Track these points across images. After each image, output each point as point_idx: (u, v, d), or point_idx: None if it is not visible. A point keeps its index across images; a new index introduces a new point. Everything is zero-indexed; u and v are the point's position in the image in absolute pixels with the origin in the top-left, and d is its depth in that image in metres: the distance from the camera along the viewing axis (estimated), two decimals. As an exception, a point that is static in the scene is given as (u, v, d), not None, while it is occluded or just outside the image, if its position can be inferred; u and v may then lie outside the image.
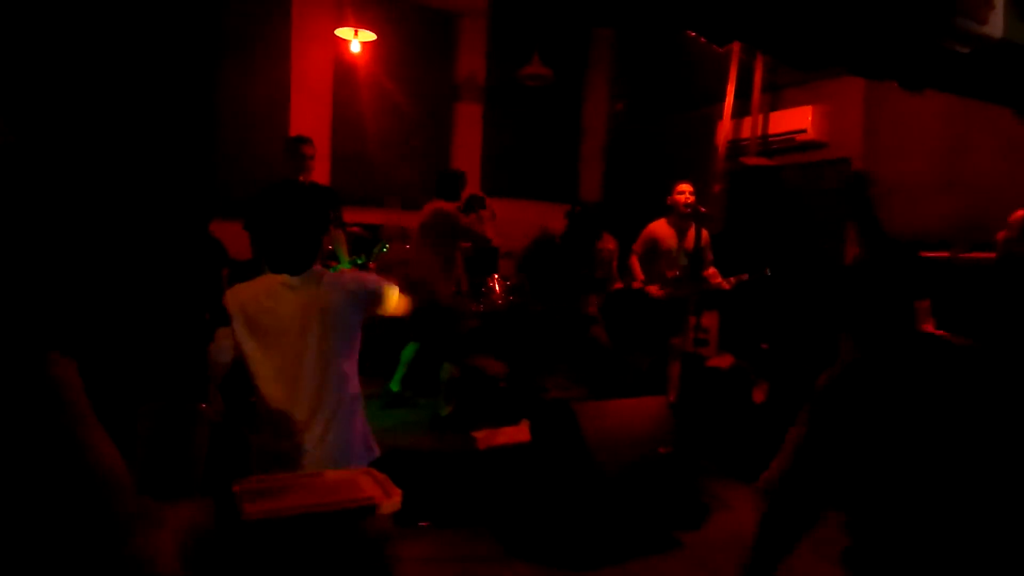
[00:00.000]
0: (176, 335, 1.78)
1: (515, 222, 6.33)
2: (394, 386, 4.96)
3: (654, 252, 4.87)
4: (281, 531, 1.50)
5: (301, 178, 4.21)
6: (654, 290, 4.82)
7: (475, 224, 5.19)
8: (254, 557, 1.42)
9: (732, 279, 4.60)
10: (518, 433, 4.18)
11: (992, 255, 4.03)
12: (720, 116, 5.88)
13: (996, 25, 2.72)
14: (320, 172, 5.95)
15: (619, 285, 5.12)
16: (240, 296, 2.03)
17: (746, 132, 5.86)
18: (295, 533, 1.52)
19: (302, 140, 4.35)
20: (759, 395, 4.58)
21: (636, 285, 4.87)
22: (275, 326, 1.98)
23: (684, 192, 4.77)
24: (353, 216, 5.41)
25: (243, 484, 1.61)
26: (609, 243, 5.21)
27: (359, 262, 4.80)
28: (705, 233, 4.65)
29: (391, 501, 1.77)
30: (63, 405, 0.79)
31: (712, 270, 4.84)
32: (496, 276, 5.62)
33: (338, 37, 5.83)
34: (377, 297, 2.13)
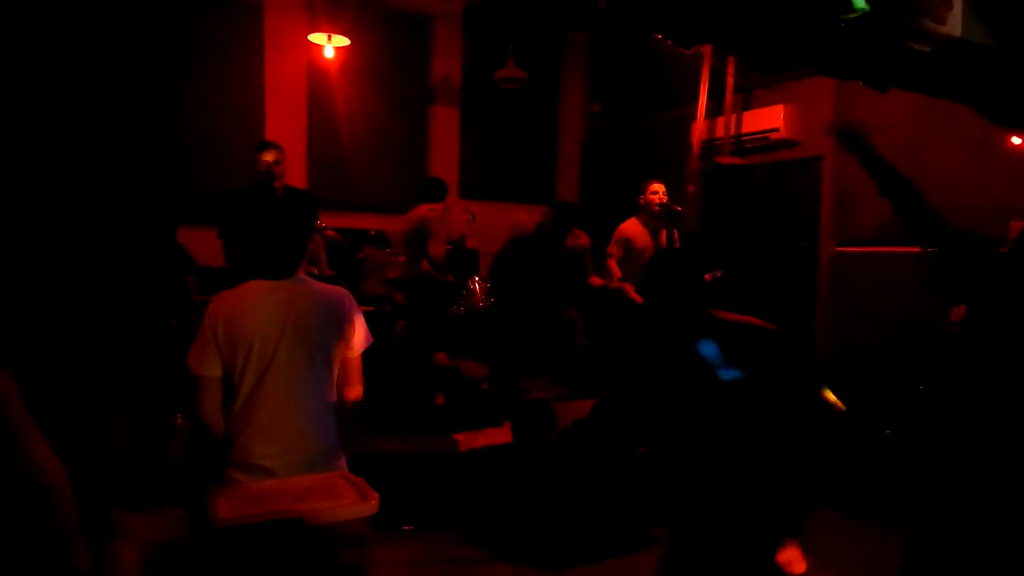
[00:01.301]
0: (145, 343, 1.77)
1: (494, 224, 6.36)
2: None
3: (628, 252, 4.89)
4: (254, 537, 1.50)
5: (276, 184, 4.18)
6: (632, 291, 4.83)
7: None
8: (227, 563, 1.43)
9: (707, 276, 4.63)
10: (500, 434, 4.20)
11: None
12: (695, 116, 5.95)
13: (955, 25, 2.79)
14: (297, 177, 5.94)
15: (596, 280, 5.13)
16: (224, 304, 2.01)
17: (720, 132, 5.94)
18: (268, 539, 1.52)
19: (265, 146, 4.30)
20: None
21: (614, 284, 4.88)
22: (255, 332, 1.97)
23: (658, 192, 4.81)
24: (330, 221, 5.40)
25: (217, 490, 1.61)
26: (581, 239, 5.23)
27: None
28: (676, 232, 4.71)
29: (367, 505, 1.78)
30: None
31: None
32: (476, 278, 5.63)
33: (311, 43, 5.81)
34: (352, 335, 2.10)
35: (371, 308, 5.29)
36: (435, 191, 5.28)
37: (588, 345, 4.98)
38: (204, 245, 4.45)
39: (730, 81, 5.80)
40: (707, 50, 5.56)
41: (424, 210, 5.11)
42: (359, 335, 2.11)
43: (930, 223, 2.47)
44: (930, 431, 2.45)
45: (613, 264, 4.93)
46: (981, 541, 2.09)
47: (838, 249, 5.14)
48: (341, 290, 2.15)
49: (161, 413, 1.22)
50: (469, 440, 4.15)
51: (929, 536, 2.21)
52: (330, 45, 5.69)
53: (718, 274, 4.57)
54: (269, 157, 4.18)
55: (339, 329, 2.06)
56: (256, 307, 1.99)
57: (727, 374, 1.97)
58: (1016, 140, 4.19)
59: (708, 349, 2.05)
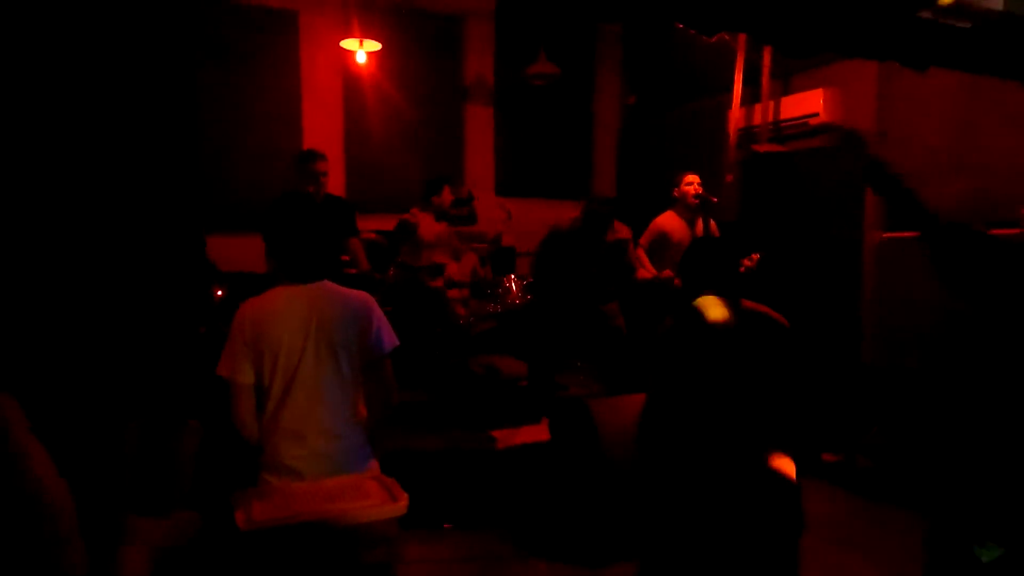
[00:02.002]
0: (172, 350, 1.83)
1: (531, 221, 6.34)
2: None
3: (663, 245, 4.83)
4: (283, 538, 1.54)
5: (311, 189, 4.26)
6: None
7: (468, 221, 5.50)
8: (256, 564, 1.47)
9: (747, 260, 4.51)
10: (537, 432, 4.20)
11: (1012, 231, 3.94)
12: (731, 104, 5.82)
13: (996, -1, 2.67)
14: (335, 181, 6.04)
15: (644, 274, 5.02)
16: (251, 310, 2.07)
17: (757, 119, 5.79)
18: (297, 540, 1.56)
19: (314, 156, 4.39)
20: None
21: (664, 275, 4.78)
22: (282, 336, 2.02)
23: (692, 183, 4.74)
24: (368, 223, 5.48)
25: (246, 493, 1.66)
26: (621, 232, 5.14)
27: None
28: (712, 223, 4.62)
29: (396, 505, 1.81)
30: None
31: None
32: (513, 276, 5.64)
33: (344, 48, 5.89)
34: (379, 345, 2.13)
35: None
36: (423, 192, 5.25)
37: (627, 332, 4.89)
38: (249, 252, 4.57)
39: (766, 66, 5.65)
40: (741, 36, 5.44)
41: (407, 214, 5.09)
42: (383, 337, 2.15)
43: (925, 219, 2.39)
44: (974, 421, 2.36)
45: (643, 254, 4.86)
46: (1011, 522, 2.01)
47: (884, 236, 4.96)
48: (363, 294, 2.19)
49: (172, 418, 1.26)
50: (507, 438, 4.17)
51: (958, 514, 2.14)
52: (362, 50, 5.77)
53: (755, 257, 4.47)
54: (319, 167, 4.29)
55: (363, 332, 2.10)
56: (282, 312, 2.04)
57: None
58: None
59: None
